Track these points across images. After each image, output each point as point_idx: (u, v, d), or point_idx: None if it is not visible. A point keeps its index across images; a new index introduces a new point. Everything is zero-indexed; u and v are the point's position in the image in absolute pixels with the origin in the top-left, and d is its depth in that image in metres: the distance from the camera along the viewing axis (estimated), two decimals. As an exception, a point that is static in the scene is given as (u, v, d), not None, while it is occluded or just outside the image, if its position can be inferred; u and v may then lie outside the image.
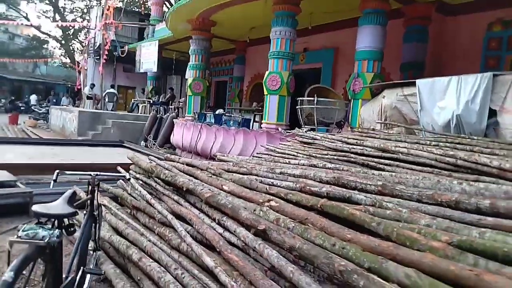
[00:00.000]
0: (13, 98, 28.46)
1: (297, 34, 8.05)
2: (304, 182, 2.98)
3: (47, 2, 30.01)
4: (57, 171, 2.04)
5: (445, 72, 6.20)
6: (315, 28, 10.08)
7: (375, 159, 3.68)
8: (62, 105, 18.19)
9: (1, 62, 29.41)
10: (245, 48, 13.49)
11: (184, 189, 3.07)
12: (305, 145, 4.91)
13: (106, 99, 15.14)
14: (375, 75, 7.02)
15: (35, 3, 30.36)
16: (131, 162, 4.36)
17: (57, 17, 30.30)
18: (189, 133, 9.32)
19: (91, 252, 2.49)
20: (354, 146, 4.18)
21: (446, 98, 5.06)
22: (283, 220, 2.32)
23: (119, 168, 4.13)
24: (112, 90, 15.62)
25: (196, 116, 10.13)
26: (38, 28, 30.96)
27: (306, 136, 5.16)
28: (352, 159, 3.82)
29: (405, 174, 3.02)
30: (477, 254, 1.76)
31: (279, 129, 7.62)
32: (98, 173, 2.23)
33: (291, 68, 7.94)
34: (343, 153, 4.03)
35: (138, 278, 2.36)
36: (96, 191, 2.26)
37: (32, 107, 20.43)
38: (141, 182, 3.84)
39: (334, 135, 5.16)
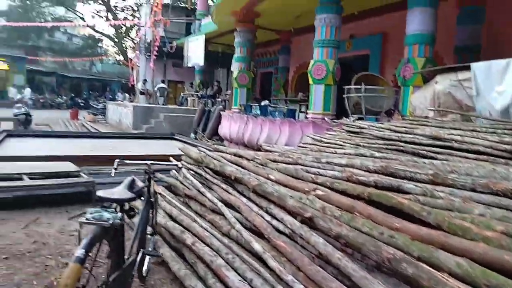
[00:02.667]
0: (73, 95, 30.58)
1: (343, 20, 7.86)
2: (351, 172, 2.96)
3: (100, 2, 31.66)
4: (117, 160, 2.22)
5: (504, 56, 5.80)
6: (361, 13, 9.80)
7: (426, 148, 3.56)
8: (118, 101, 19.25)
9: (61, 62, 31.66)
10: (289, 38, 13.40)
11: (232, 178, 3.18)
12: (352, 135, 4.84)
13: (158, 94, 15.79)
14: (427, 59, 6.69)
15: (89, 4, 32.15)
16: (182, 153, 4.58)
17: (110, 16, 31.89)
18: (236, 125, 9.50)
19: (149, 236, 2.67)
20: (404, 135, 4.06)
21: (504, 82, 4.73)
22: (329, 208, 2.35)
23: (171, 158, 4.34)
24: (163, 85, 16.25)
25: (243, 108, 10.28)
26: (93, 27, 32.82)
27: (353, 125, 5.09)
28: (401, 148, 3.72)
29: (458, 162, 2.90)
30: (536, 245, 1.68)
31: (326, 119, 7.54)
32: (154, 162, 2.39)
33: (337, 56, 7.80)
34: (392, 142, 3.93)
35: (192, 261, 2.51)
36: (152, 179, 2.42)
37: (91, 103, 21.84)
38: (191, 172, 4.02)
39: (382, 124, 5.03)
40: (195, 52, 14.68)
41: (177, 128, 11.69)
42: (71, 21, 30.20)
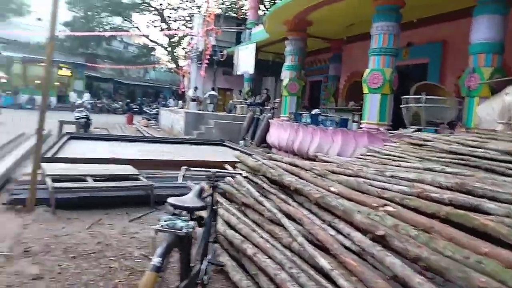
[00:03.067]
0: (128, 101, 32.16)
1: (400, 27, 7.57)
2: (421, 187, 2.76)
3: (154, 13, 33.16)
4: (185, 167, 2.23)
5: None
6: (420, 21, 9.40)
7: (502, 164, 3.27)
8: (170, 107, 19.94)
9: (118, 69, 33.46)
10: (341, 46, 13.15)
11: (292, 188, 3.10)
12: (415, 147, 4.58)
13: (208, 101, 16.14)
14: (495, 69, 6.25)
15: (145, 14, 33.80)
16: (235, 160, 4.57)
17: (164, 26, 33.28)
18: (286, 133, 9.42)
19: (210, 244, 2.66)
20: (476, 149, 3.77)
21: None
22: (403, 227, 2.19)
23: (226, 166, 4.35)
24: (213, 92, 16.61)
25: (292, 116, 10.20)
26: (147, 37, 34.44)
27: (416, 137, 4.82)
28: (473, 163, 3.44)
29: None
30: None
31: (381, 129, 7.25)
32: (218, 170, 2.38)
33: (395, 64, 7.51)
34: (462, 156, 3.66)
35: (254, 272, 2.45)
36: (216, 187, 2.41)
37: (144, 109, 22.82)
38: (247, 179, 3.99)
39: (448, 136, 4.73)
40: (245, 60, 14.86)
41: (226, 135, 11.84)
42: (127, 31, 31.87)
